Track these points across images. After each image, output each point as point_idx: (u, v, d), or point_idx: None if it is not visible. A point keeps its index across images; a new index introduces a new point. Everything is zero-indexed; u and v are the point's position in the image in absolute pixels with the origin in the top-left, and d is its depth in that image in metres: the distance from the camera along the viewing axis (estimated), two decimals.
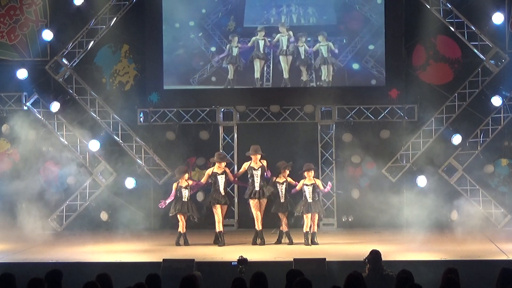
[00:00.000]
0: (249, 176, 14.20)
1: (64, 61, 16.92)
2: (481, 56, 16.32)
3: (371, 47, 16.41)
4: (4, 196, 16.56)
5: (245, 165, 14.34)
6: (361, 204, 16.40)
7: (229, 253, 12.62)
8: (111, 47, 17.21)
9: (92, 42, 16.95)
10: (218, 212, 14.01)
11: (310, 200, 13.89)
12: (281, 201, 14.04)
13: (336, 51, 16.40)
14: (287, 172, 14.10)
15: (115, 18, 16.86)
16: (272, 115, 16.90)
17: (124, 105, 16.91)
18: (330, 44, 16.40)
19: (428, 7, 16.34)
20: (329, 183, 14.60)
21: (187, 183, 14.16)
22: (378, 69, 16.42)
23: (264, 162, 14.21)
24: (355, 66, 16.48)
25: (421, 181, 16.22)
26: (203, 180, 14.32)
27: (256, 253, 12.54)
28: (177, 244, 13.98)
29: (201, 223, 14.71)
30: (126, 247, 13.88)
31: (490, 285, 8.25)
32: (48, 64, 16.90)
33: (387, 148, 16.65)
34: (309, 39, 16.49)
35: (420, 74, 16.74)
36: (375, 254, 9.07)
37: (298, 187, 14.03)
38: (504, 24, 16.36)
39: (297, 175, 14.21)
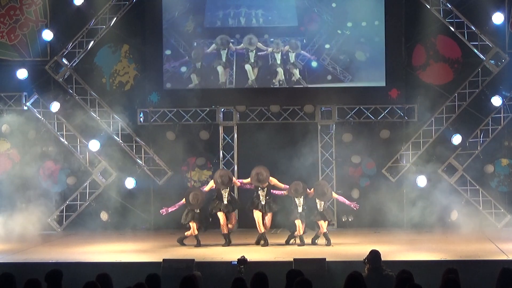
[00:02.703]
0: (254, 188, 14.07)
1: (64, 61, 16.91)
2: (481, 56, 16.32)
3: (327, 46, 16.59)
4: (4, 196, 16.56)
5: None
6: (361, 204, 16.36)
7: (229, 253, 12.61)
8: (111, 47, 17.20)
9: (92, 42, 16.94)
10: (220, 216, 13.93)
11: (321, 209, 13.87)
12: (299, 211, 13.90)
13: (304, 53, 16.55)
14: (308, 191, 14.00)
15: (115, 18, 16.85)
16: (272, 115, 16.89)
17: (124, 105, 16.91)
18: (299, 50, 16.56)
19: (428, 7, 16.34)
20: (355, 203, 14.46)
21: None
22: (333, 66, 16.58)
23: (273, 180, 13.99)
24: (314, 64, 16.65)
25: (421, 181, 16.22)
26: (206, 189, 14.21)
27: (256, 253, 12.53)
28: (180, 243, 13.94)
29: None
30: (126, 247, 13.88)
31: (490, 285, 8.24)
32: (48, 64, 16.90)
33: (387, 148, 16.64)
34: (278, 39, 16.53)
35: (420, 74, 16.74)
36: (375, 254, 9.06)
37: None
38: (504, 24, 16.36)
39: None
